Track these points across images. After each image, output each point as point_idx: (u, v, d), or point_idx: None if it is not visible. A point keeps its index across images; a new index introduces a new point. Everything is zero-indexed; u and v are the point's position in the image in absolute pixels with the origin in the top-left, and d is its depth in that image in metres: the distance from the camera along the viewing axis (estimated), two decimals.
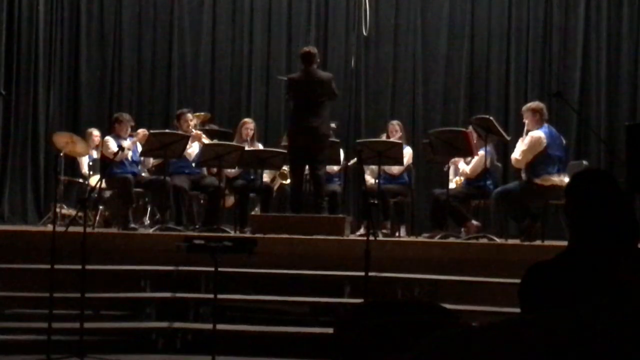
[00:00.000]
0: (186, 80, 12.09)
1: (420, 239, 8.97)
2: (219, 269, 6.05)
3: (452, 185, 9.23)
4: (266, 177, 9.78)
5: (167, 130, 9.57)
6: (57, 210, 9.19)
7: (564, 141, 8.76)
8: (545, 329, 1.16)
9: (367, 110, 11.87)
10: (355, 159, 9.50)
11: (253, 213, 9.62)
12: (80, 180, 10.43)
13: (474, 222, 8.89)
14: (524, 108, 8.63)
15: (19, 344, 6.82)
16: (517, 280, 2.29)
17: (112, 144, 9.18)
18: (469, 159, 9.15)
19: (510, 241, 8.36)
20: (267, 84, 11.99)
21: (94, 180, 9.62)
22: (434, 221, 9.26)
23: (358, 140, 9.82)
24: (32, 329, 7.02)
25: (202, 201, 9.89)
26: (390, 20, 11.88)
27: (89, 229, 7.07)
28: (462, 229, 8.93)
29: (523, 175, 8.50)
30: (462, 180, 9.30)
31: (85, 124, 11.35)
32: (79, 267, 6.30)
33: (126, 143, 9.21)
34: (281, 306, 7.56)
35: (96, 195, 9.30)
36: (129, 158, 9.33)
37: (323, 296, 7.40)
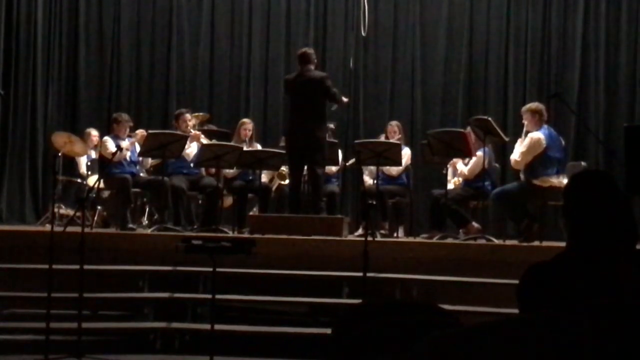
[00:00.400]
0: (185, 80, 12.08)
1: (418, 239, 8.96)
2: (217, 270, 6.05)
3: (450, 186, 9.22)
4: (264, 177, 9.77)
5: (165, 131, 9.57)
6: (55, 210, 9.17)
7: (563, 142, 8.76)
8: (543, 329, 1.16)
9: (365, 110, 11.86)
10: (354, 159, 9.50)
11: (251, 213, 9.61)
12: (79, 180, 10.42)
13: (475, 224, 8.88)
14: (523, 109, 8.63)
15: (17, 343, 6.82)
16: (516, 281, 2.28)
17: (110, 144, 9.17)
18: (467, 159, 9.15)
19: (509, 242, 8.36)
20: (265, 85, 11.99)
21: (92, 180, 9.61)
22: (432, 222, 9.26)
23: (356, 141, 9.82)
24: (30, 329, 7.02)
25: (200, 201, 9.89)
26: (389, 21, 11.89)
27: (87, 229, 7.07)
28: (461, 230, 8.93)
29: (522, 176, 8.50)
30: (461, 181, 9.30)
31: (84, 124, 11.34)
32: (77, 267, 6.29)
33: (125, 143, 9.20)
34: (279, 307, 7.56)
35: (94, 195, 9.30)
36: (128, 158, 9.33)
37: (321, 297, 7.40)
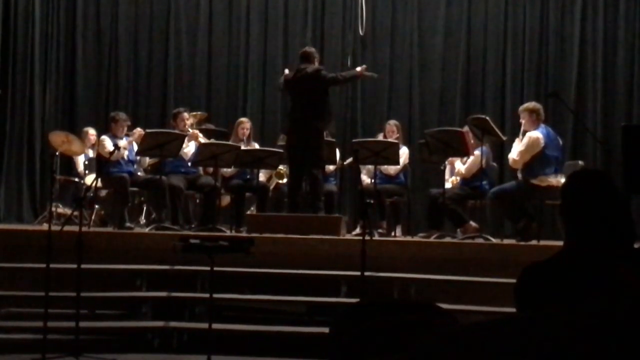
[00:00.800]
0: (182, 79, 12.08)
1: (416, 238, 8.97)
2: (215, 269, 6.05)
3: (448, 185, 9.23)
4: (262, 176, 9.77)
5: (163, 130, 9.56)
6: (53, 209, 9.17)
7: (561, 142, 8.77)
8: (541, 328, 1.16)
9: (363, 110, 11.86)
10: (352, 158, 9.50)
11: (249, 212, 9.61)
12: (76, 180, 10.42)
13: (472, 223, 8.88)
14: (521, 108, 8.63)
15: (15, 343, 6.81)
16: (513, 280, 2.29)
17: (108, 143, 9.16)
18: (465, 158, 9.15)
19: (506, 241, 8.37)
20: (263, 84, 11.99)
21: (89, 179, 9.60)
22: (430, 221, 9.27)
23: (354, 140, 9.83)
24: (28, 328, 7.02)
25: (198, 201, 9.89)
26: (386, 21, 11.88)
27: (84, 228, 7.08)
28: (459, 229, 8.93)
29: (519, 176, 8.50)
30: (458, 181, 9.30)
31: (81, 123, 11.34)
32: (75, 266, 6.29)
33: (122, 142, 9.20)
34: (277, 306, 7.56)
35: (92, 194, 9.29)
36: (125, 157, 9.33)
37: (319, 296, 7.40)
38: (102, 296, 7.46)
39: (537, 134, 8.29)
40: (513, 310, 2.24)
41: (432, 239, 8.48)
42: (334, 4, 11.97)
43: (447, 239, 8.57)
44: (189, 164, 9.48)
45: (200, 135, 9.60)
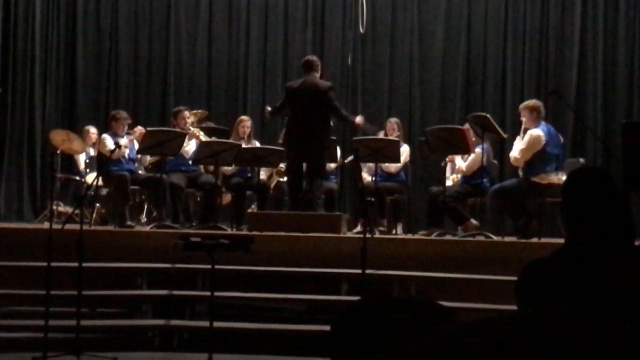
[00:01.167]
0: (183, 77, 12.08)
1: (417, 236, 8.97)
2: (216, 267, 6.05)
3: (449, 183, 9.22)
4: (263, 174, 9.77)
5: (164, 128, 9.56)
6: (54, 207, 9.17)
7: (562, 139, 8.77)
8: (542, 325, 1.16)
9: (363, 108, 11.84)
10: (352, 156, 9.50)
11: (250, 211, 9.61)
12: (77, 178, 10.42)
13: (473, 221, 8.87)
14: (521, 106, 8.63)
15: (16, 341, 6.82)
16: (514, 278, 2.29)
17: (109, 142, 9.16)
18: (466, 156, 9.15)
19: (507, 239, 8.36)
20: (263, 82, 11.99)
21: (90, 177, 9.61)
22: (430, 219, 9.26)
23: (355, 138, 9.82)
24: (29, 326, 7.02)
25: (198, 199, 9.89)
26: (387, 19, 11.88)
27: (85, 227, 7.08)
28: (459, 227, 8.93)
29: (520, 173, 8.50)
30: (459, 178, 9.30)
31: (82, 122, 11.34)
32: (76, 264, 6.29)
33: (123, 141, 9.19)
34: (278, 304, 7.56)
35: (93, 192, 9.29)
36: (126, 156, 9.33)
37: (320, 294, 7.41)
38: (102, 294, 7.46)
39: (538, 132, 8.28)
40: (514, 307, 2.24)
41: (432, 237, 8.48)
42: (334, 2, 11.97)
43: (448, 237, 8.57)
44: (190, 162, 9.48)
45: (201, 133, 9.60)
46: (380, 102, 11.84)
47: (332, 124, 9.27)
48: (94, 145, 10.37)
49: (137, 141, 9.31)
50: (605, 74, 11.39)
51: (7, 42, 11.52)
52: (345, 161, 10.18)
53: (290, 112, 9.05)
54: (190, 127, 9.58)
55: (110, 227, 9.25)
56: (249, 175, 9.65)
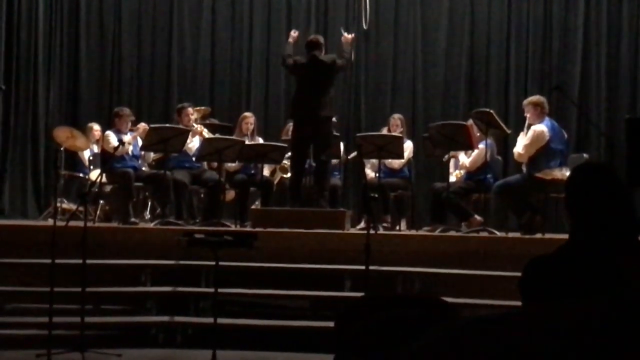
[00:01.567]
0: (186, 74, 12.07)
1: (420, 232, 8.97)
2: (220, 263, 6.06)
3: (452, 179, 9.22)
4: (266, 171, 9.77)
5: (167, 125, 9.57)
6: (58, 204, 9.20)
7: (566, 135, 8.76)
8: (547, 321, 1.16)
9: (367, 104, 11.86)
10: (356, 152, 9.50)
11: (253, 207, 9.61)
12: (81, 175, 10.43)
13: (477, 216, 8.87)
14: (525, 102, 8.62)
15: (20, 338, 6.83)
16: (518, 274, 2.28)
17: (112, 139, 9.17)
18: (469, 152, 9.14)
19: (511, 234, 8.36)
20: (267, 78, 11.98)
21: (94, 174, 9.61)
22: (434, 215, 9.25)
23: (358, 134, 9.82)
24: (33, 323, 7.03)
25: (202, 195, 9.89)
26: (390, 14, 11.86)
27: (89, 224, 7.08)
28: (463, 223, 8.92)
29: (524, 169, 8.49)
30: (463, 174, 9.29)
31: (86, 119, 11.34)
32: (80, 261, 6.30)
33: (126, 137, 9.20)
34: (282, 300, 7.57)
35: (97, 189, 9.30)
36: (130, 152, 9.33)
37: (323, 290, 7.41)
38: (107, 291, 7.47)
39: (542, 128, 8.27)
40: (518, 303, 2.24)
41: (436, 233, 8.48)
42: None
43: (452, 233, 8.57)
44: (193, 159, 9.48)
45: (205, 130, 9.60)
46: (383, 98, 11.83)
47: (335, 119, 9.29)
48: (97, 142, 10.38)
49: (141, 138, 9.31)
50: (608, 69, 11.38)
51: (11, 40, 11.53)
52: (349, 157, 10.18)
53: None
54: (194, 124, 9.58)
55: (114, 224, 9.26)
56: (253, 171, 9.64)
